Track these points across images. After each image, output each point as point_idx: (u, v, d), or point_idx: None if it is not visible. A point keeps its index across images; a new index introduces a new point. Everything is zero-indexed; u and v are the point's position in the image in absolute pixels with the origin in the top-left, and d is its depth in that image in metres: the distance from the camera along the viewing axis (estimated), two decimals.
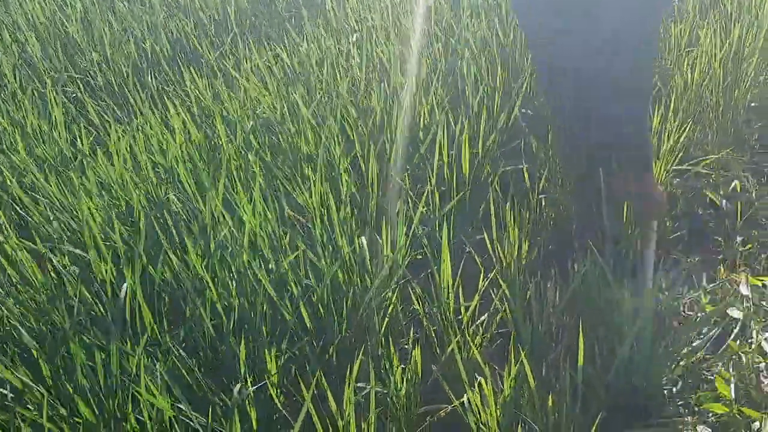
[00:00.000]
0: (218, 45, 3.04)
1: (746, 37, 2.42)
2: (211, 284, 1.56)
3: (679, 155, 2.26)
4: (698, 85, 2.39)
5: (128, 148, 2.20)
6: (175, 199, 2.02)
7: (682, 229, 2.12)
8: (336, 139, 2.12)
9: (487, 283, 1.77)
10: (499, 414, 1.40)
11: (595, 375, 1.54)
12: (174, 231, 1.90)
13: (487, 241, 1.92)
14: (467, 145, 2.00)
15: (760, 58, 2.42)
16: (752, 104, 2.53)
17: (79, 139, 2.35)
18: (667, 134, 2.26)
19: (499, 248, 1.91)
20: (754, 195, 2.20)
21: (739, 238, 2.06)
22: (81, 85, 2.81)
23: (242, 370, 1.46)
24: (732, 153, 2.34)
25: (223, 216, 1.77)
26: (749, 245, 2.03)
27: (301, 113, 2.21)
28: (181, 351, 1.49)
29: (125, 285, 1.55)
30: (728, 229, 2.10)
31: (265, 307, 1.59)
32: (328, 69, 2.51)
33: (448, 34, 2.76)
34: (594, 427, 1.35)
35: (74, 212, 1.95)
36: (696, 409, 1.56)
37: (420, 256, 1.99)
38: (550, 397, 1.40)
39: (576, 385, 1.41)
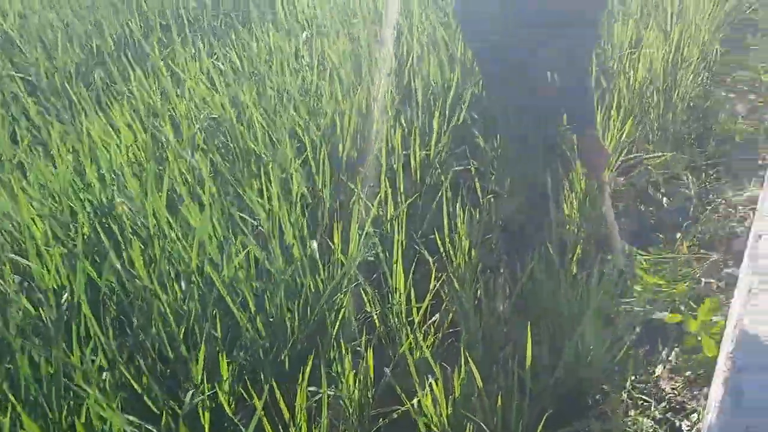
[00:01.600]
0: (166, 43, 2.98)
1: (686, 40, 2.51)
2: (158, 291, 1.53)
3: (622, 153, 2.33)
4: (641, 85, 2.47)
5: (71, 150, 2.14)
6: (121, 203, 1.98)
7: (626, 226, 2.18)
8: (287, 140, 2.11)
9: (438, 283, 1.79)
10: (449, 414, 1.42)
11: (543, 370, 1.58)
12: (119, 236, 1.86)
13: (438, 242, 1.94)
14: (418, 147, 2.01)
15: (697, 60, 2.50)
16: (690, 104, 2.62)
17: (20, 140, 2.27)
18: (610, 133, 2.32)
19: (450, 248, 1.94)
20: (692, 192, 2.28)
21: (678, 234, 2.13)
22: (21, 85, 2.72)
23: (198, 377, 1.44)
24: (672, 152, 2.42)
25: (169, 221, 1.74)
26: (688, 242, 2.11)
27: (250, 113, 2.19)
28: (130, 360, 1.47)
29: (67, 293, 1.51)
30: (669, 226, 2.17)
31: (216, 313, 1.58)
32: (277, 68, 2.49)
33: (399, 34, 2.77)
34: (542, 423, 1.38)
35: (14, 218, 1.89)
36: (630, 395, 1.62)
37: (372, 258, 2.00)
38: (499, 396, 1.42)
39: (524, 383, 1.44)
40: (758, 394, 1.19)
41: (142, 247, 1.76)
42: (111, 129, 2.25)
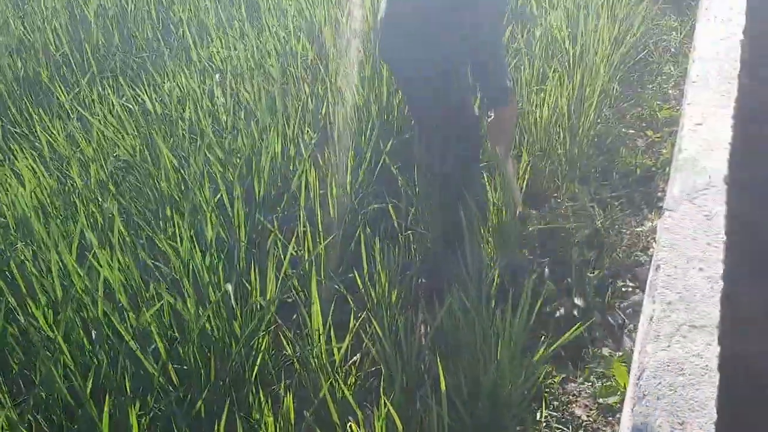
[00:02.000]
0: (73, 83, 2.89)
1: (587, 80, 2.65)
2: (61, 342, 1.46)
3: (530, 186, 2.42)
4: (547, 122, 2.58)
5: None
6: (25, 250, 1.88)
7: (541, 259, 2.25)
8: (200, 181, 2.07)
9: (358, 323, 1.78)
10: None
11: (461, 405, 1.59)
12: (22, 284, 1.76)
13: (358, 281, 1.94)
14: (335, 186, 2.02)
15: (598, 99, 2.65)
16: (594, 139, 2.75)
17: None
18: (521, 167, 2.41)
19: (369, 286, 1.94)
20: (599, 224, 2.39)
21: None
22: None
23: None
24: (578, 185, 2.53)
25: (75, 267, 1.66)
26: (598, 271, 2.20)
27: (162, 154, 2.14)
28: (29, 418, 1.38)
29: None
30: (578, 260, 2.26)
31: (127, 364, 1.51)
32: (191, 109, 2.46)
33: (316, 75, 2.80)
34: None
35: None
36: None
37: (290, 299, 1.98)
38: None
39: (442, 419, 1.45)
40: (662, 418, 1.24)
41: (48, 296, 1.68)
42: (13, 175, 2.15)
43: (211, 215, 1.88)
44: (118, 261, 1.70)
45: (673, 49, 3.36)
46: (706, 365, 1.34)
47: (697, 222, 1.65)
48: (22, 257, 1.80)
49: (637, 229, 2.37)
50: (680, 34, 3.42)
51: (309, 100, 2.62)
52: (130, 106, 2.49)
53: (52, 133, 2.40)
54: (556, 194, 2.53)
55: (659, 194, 2.53)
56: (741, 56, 2.32)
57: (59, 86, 2.74)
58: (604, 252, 2.28)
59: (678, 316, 1.43)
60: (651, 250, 2.29)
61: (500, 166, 2.17)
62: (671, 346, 1.37)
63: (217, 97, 2.61)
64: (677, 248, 1.59)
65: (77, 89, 2.77)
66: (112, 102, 2.45)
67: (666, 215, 1.68)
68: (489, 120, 2.16)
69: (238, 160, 2.27)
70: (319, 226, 2.03)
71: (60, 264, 1.75)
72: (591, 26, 2.89)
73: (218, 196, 2.02)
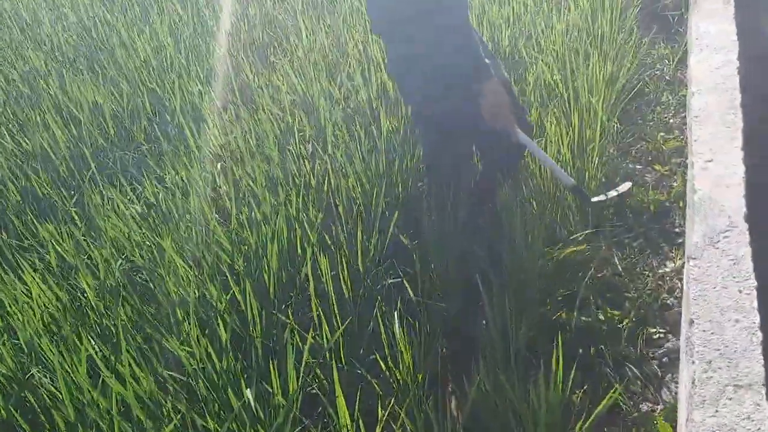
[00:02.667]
0: (74, 186, 2.89)
1: (586, 122, 2.62)
2: None
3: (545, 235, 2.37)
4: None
5: None
6: (39, 375, 1.84)
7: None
8: (209, 278, 2.04)
9: (386, 412, 1.72)
10: None
11: None
12: (39, 411, 1.72)
13: (380, 362, 1.88)
14: (346, 269, 1.98)
15: (600, 139, 2.61)
16: (602, 180, 2.71)
17: None
18: (531, 218, 2.36)
19: (392, 367, 1.88)
20: (620, 269, 2.32)
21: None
22: None
23: None
24: (592, 232, 2.47)
25: (89, 389, 1.62)
26: (626, 320, 2.13)
27: (168, 255, 2.11)
28: None
29: None
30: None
31: None
32: (194, 201, 2.44)
33: (316, 154, 2.79)
34: None
35: None
36: None
37: (313, 390, 1.91)
38: None
39: None
40: None
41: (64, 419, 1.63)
42: (23, 293, 2.12)
43: (224, 315, 1.84)
44: (132, 376, 1.66)
45: (667, 77, 3.34)
46: (759, 428, 1.26)
47: (724, 268, 1.59)
48: (36, 382, 1.76)
49: (660, 271, 2.30)
50: (672, 61, 3.40)
51: (311, 177, 2.60)
52: (135, 207, 2.48)
53: (59, 241, 2.39)
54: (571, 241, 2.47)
55: (676, 230, 2.47)
56: (740, 82, 2.29)
57: (62, 191, 2.74)
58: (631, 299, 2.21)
59: (720, 375, 1.36)
60: (677, 291, 2.21)
61: (521, 141, 2.27)
62: (719, 410, 1.30)
63: (219, 186, 2.60)
64: (708, 299, 1.52)
65: (79, 192, 2.77)
66: (117, 203, 2.45)
67: (691, 264, 1.62)
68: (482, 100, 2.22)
69: (245, 248, 2.24)
70: (335, 309, 1.98)
71: (73, 384, 1.70)
72: (582, 68, 2.88)
73: (230, 293, 1.98)
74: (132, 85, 3.68)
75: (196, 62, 3.94)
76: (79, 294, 2.22)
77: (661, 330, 2.11)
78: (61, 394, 1.61)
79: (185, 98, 3.36)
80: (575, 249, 2.33)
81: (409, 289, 2.06)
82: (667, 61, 3.45)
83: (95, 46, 4.57)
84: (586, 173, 2.55)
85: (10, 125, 3.45)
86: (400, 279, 2.15)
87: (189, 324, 1.82)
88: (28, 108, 3.53)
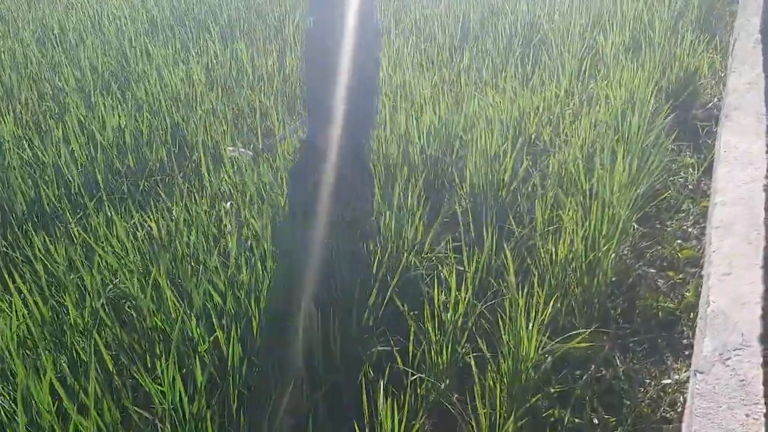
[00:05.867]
0: (81, 206, 2.86)
1: (604, 218, 2.57)
2: None
3: (549, 328, 2.28)
4: (563, 261, 2.48)
5: None
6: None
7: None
8: (196, 318, 1.96)
9: None
10: None
11: None
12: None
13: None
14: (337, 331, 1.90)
15: (617, 238, 2.55)
16: (613, 279, 2.64)
17: None
18: (535, 309, 2.28)
19: None
20: (621, 373, 2.22)
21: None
22: None
23: None
24: (597, 328, 2.39)
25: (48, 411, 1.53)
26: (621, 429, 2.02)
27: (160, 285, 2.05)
28: None
29: None
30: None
31: None
32: (197, 237, 2.40)
33: None
34: None
35: None
36: None
37: None
38: None
39: None
40: None
41: None
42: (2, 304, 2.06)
43: (204, 357, 1.76)
44: (97, 408, 1.57)
45: (690, 186, 3.31)
46: None
47: (731, 388, 1.50)
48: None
49: (663, 381, 2.20)
50: (697, 171, 3.38)
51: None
52: (136, 233, 2.44)
53: (52, 257, 2.34)
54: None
55: (684, 341, 2.37)
56: (766, 198, 2.25)
57: (67, 208, 2.71)
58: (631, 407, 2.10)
59: None
60: (678, 405, 2.10)
61: None
62: None
63: (225, 225, 2.56)
64: (713, 419, 1.43)
65: (85, 211, 2.74)
66: (116, 227, 2.40)
67: (698, 378, 1.54)
68: None
69: (239, 293, 2.17)
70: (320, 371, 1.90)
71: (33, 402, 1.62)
72: (607, 164, 2.85)
73: (214, 335, 1.90)
74: (156, 115, 3.71)
75: (225, 102, 3.98)
76: (62, 313, 2.16)
77: None
78: (18, 416, 1.52)
79: (207, 132, 3.37)
80: (577, 345, 2.24)
81: (399, 361, 1.97)
82: (691, 170, 3.43)
83: (130, 72, 4.65)
84: (598, 269, 2.48)
85: (32, 135, 3.47)
86: (389, 348, 2.06)
87: (166, 361, 1.74)
88: (52, 120, 3.55)
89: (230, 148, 3.23)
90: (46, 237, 2.37)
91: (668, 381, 2.19)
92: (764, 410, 1.43)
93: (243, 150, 3.33)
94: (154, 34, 5.57)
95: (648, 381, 2.22)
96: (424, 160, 3.20)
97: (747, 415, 1.42)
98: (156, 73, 4.38)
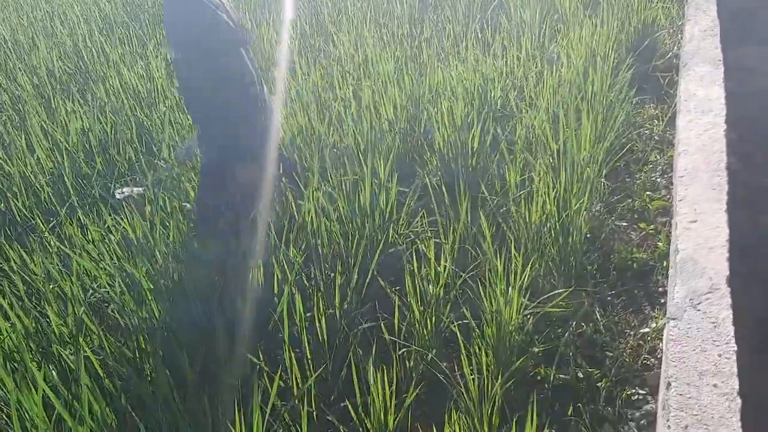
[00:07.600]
0: (54, 213, 2.84)
1: (573, 177, 2.61)
2: None
3: (528, 292, 2.33)
4: (537, 224, 2.52)
5: None
6: None
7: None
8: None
9: None
10: None
11: None
12: None
13: (351, 411, 1.82)
14: (322, 310, 1.93)
15: (588, 195, 2.60)
16: (587, 236, 2.69)
17: None
18: (514, 273, 2.32)
19: (363, 416, 1.82)
20: (601, 326, 2.28)
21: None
22: None
23: None
24: (576, 284, 2.44)
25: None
26: (605, 380, 2.08)
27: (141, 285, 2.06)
28: None
29: None
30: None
31: None
32: (174, 234, 2.40)
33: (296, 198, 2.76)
34: None
35: None
36: None
37: None
38: None
39: None
40: None
41: None
42: None
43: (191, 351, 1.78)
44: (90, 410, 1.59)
45: (656, 138, 3.36)
46: None
47: (704, 331, 1.55)
48: None
49: (642, 330, 2.26)
50: (662, 122, 3.43)
51: (296, 214, 2.57)
52: (111, 236, 2.43)
53: (31, 269, 2.33)
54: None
55: (659, 290, 2.44)
56: (726, 144, 2.30)
57: (39, 217, 2.69)
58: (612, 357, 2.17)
59: None
60: (658, 352, 2.17)
61: None
62: None
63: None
64: (687, 361, 1.49)
65: (57, 219, 2.72)
66: (90, 233, 2.40)
67: (671, 325, 1.59)
68: None
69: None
70: (308, 353, 1.92)
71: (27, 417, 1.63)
72: (573, 123, 2.89)
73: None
74: (119, 115, 3.66)
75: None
76: (45, 323, 2.15)
77: (640, 391, 2.06)
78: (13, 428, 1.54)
79: (174, 129, 3.34)
80: (556, 306, 2.29)
81: (386, 333, 2.01)
82: (656, 121, 3.48)
83: (88, 73, 4.57)
84: (571, 227, 2.52)
85: None
86: (375, 323, 2.10)
87: (153, 357, 1.76)
88: (14, 130, 3.50)
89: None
90: (20, 250, 2.36)
91: (647, 330, 2.25)
92: (735, 348, 1.49)
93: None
94: (109, 32, 5.47)
95: (628, 331, 2.28)
96: (393, 136, 3.21)
97: (719, 355, 1.48)
98: (115, 72, 4.32)
